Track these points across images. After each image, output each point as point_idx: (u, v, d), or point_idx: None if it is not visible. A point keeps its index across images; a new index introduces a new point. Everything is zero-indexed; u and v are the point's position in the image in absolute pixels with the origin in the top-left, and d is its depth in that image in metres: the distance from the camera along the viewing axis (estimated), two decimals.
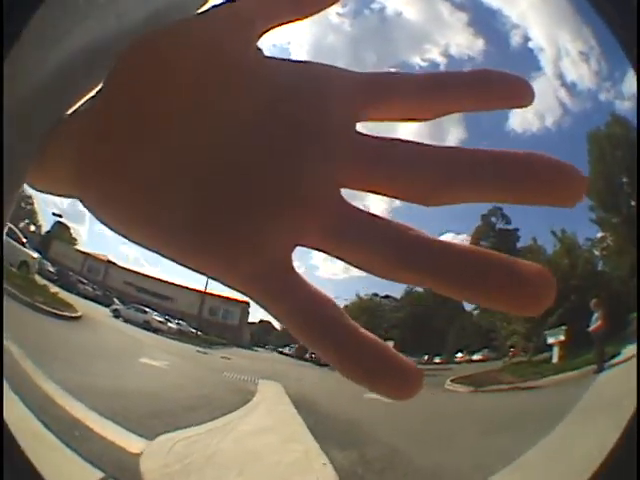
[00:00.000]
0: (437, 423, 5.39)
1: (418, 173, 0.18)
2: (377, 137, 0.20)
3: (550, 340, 10.81)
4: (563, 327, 10.55)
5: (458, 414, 6.30)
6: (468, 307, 18.63)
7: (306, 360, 13.91)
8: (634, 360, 3.97)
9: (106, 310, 6.87)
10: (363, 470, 3.38)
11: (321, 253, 0.19)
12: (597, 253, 13.21)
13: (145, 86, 0.21)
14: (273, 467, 3.02)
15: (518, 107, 0.21)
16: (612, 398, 4.49)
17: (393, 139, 0.19)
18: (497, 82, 0.21)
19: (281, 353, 14.97)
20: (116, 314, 7.32)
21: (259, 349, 15.00)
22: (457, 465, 3.41)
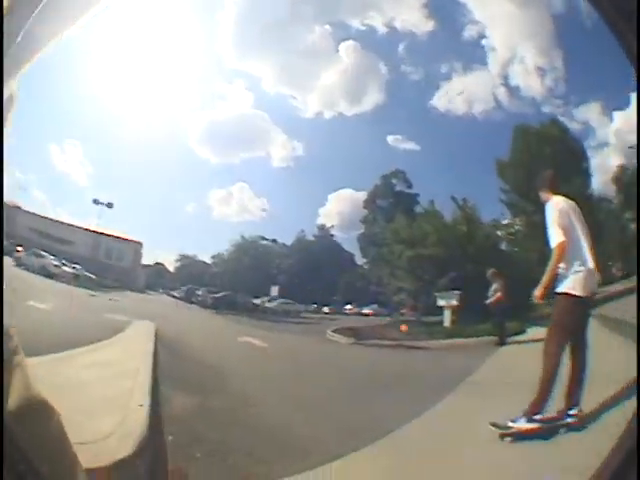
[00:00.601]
0: (308, 375, 4.94)
1: None
2: None
3: (441, 302, 11.39)
4: (456, 292, 11.20)
5: (334, 366, 5.84)
6: (359, 261, 19.14)
7: (193, 303, 13.84)
8: (539, 344, 3.77)
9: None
10: (197, 419, 3.17)
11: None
12: (500, 233, 14.36)
13: None
14: (91, 399, 2.88)
15: None
16: (514, 376, 4.71)
17: None
18: None
19: (172, 296, 14.67)
20: (18, 262, 7.43)
21: (152, 292, 14.49)
22: (313, 428, 2.92)
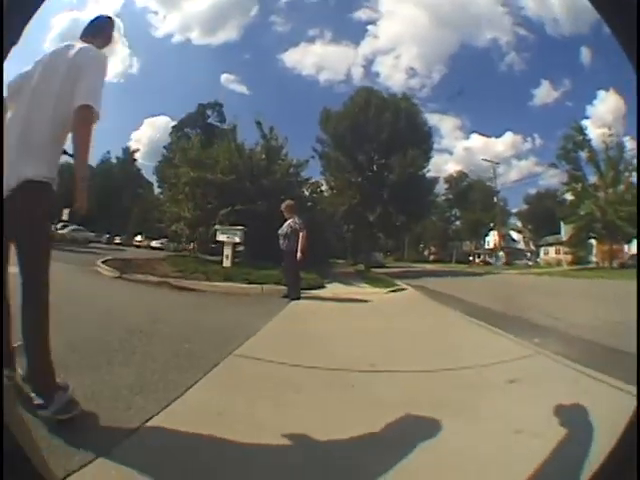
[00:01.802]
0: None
1: None
2: None
3: (221, 237, 9.60)
4: (240, 227, 9.59)
5: (83, 301, 4.78)
6: (156, 190, 16.04)
7: None
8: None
9: None
10: None
11: None
12: (307, 191, 13.28)
13: None
14: None
15: None
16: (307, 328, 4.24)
17: None
18: None
19: None
20: None
21: None
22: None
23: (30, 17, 0.89)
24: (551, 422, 1.74)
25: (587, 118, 54.89)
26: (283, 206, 6.80)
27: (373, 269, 18.19)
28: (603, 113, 35.62)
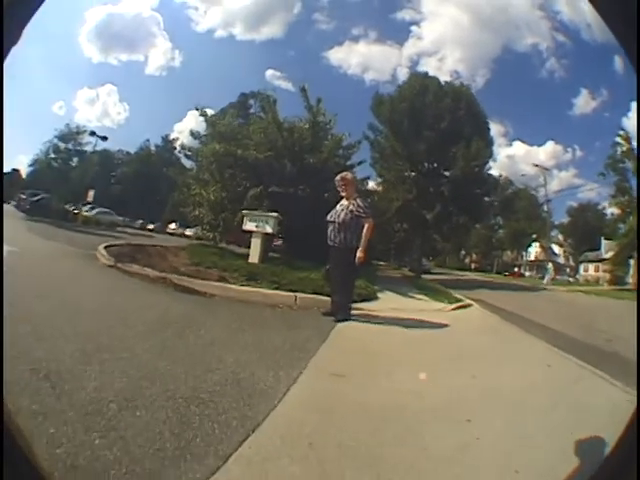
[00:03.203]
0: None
1: None
2: None
3: (249, 225, 7.41)
4: (274, 214, 7.38)
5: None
6: None
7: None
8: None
9: None
10: None
11: None
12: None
13: None
14: None
15: None
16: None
17: None
18: None
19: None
20: None
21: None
22: None
23: (30, 17, 0.87)
24: None
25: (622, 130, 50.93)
26: (339, 179, 4.55)
27: (422, 275, 15.93)
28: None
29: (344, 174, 4.62)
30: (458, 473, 1.55)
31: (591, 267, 38.63)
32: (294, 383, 2.30)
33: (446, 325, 4.71)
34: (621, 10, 0.82)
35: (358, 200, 4.39)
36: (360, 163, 10.84)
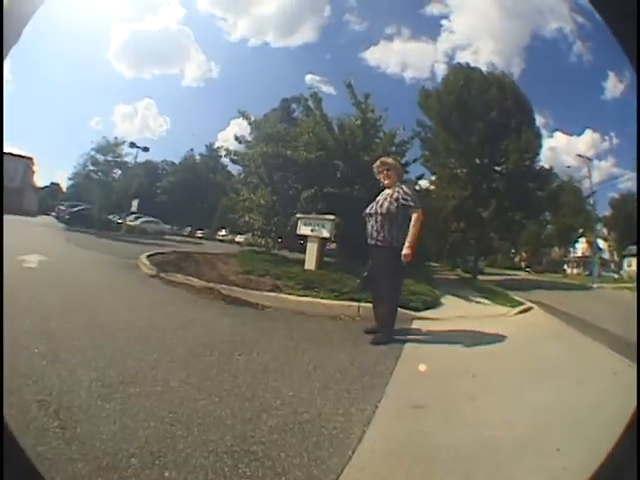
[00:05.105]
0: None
1: None
2: None
3: (304, 230, 7.14)
4: (330, 217, 7.04)
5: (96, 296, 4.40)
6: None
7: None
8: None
9: None
10: None
11: None
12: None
13: None
14: None
15: None
16: None
17: None
18: None
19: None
20: None
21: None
22: None
23: (30, 17, 0.86)
24: None
25: None
26: (378, 164, 4.10)
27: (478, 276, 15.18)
28: None
29: (384, 158, 4.19)
30: None
31: (634, 262, 35.51)
32: (369, 423, 1.97)
33: (516, 334, 4.49)
34: (621, 10, 0.83)
35: (404, 187, 3.88)
36: (415, 160, 10.50)
